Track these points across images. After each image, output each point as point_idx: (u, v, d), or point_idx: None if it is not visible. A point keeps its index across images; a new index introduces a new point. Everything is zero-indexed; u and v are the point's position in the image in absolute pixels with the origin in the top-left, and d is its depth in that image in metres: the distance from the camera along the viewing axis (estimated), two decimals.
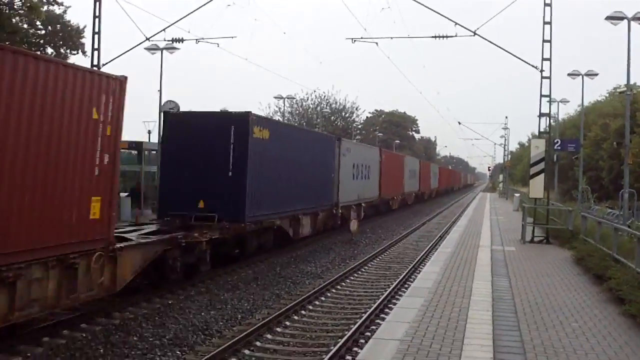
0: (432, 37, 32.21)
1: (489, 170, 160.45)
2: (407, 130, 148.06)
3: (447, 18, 29.60)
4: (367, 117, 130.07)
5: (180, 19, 32.90)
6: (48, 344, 13.49)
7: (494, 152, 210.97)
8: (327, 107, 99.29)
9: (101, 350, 13.32)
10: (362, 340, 14.40)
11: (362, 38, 34.50)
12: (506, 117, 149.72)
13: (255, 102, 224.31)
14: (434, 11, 29.59)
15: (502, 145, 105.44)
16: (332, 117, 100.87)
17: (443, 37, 31.59)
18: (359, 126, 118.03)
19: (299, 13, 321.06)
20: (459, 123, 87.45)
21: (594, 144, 61.70)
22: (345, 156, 38.32)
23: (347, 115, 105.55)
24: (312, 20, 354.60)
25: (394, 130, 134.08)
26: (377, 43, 35.06)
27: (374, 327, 15.43)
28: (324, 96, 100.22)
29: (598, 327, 12.52)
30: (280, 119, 76.64)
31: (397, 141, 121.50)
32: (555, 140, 35.88)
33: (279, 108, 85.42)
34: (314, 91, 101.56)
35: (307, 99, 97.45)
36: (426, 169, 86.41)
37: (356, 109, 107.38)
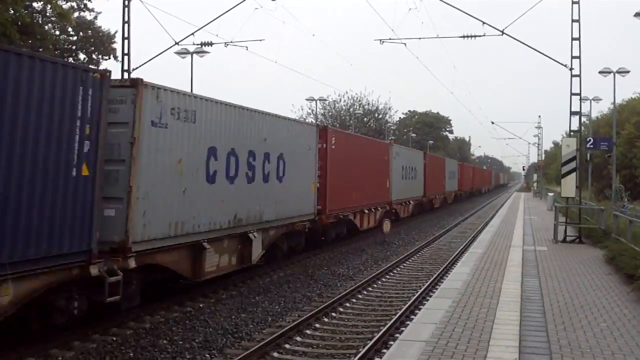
0: (461, 37, 32.08)
1: (523, 169, 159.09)
2: (441, 130, 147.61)
3: (475, 18, 29.54)
4: (400, 118, 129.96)
5: (209, 22, 33.15)
6: (79, 348, 13.69)
7: (528, 152, 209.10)
8: (360, 109, 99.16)
9: (131, 354, 13.50)
10: (391, 342, 14.39)
11: (390, 39, 34.39)
12: (539, 116, 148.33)
13: (288, 104, 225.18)
14: (462, 11, 29.60)
15: (536, 145, 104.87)
16: (365, 119, 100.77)
17: (471, 36, 31.49)
18: (393, 127, 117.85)
19: (326, 15, 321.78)
20: (492, 123, 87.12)
21: (627, 142, 61.08)
22: (163, 129, 16.39)
23: (380, 116, 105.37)
24: (340, 23, 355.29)
25: (427, 130, 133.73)
26: (405, 44, 34.94)
27: (403, 329, 15.46)
28: (357, 97, 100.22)
29: (627, 327, 12.44)
30: (313, 121, 76.73)
31: (431, 142, 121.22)
32: (588, 139, 35.68)
33: (312, 110, 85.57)
34: (346, 92, 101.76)
35: (340, 101, 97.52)
36: (436, 165, 64.35)
37: (389, 109, 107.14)
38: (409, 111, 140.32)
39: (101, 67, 41.72)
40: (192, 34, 32.05)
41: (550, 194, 60.41)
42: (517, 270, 19.36)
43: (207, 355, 13.82)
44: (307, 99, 74.25)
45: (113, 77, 14.60)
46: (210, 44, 35.61)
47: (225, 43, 34.74)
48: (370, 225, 37.17)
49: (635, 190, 58.07)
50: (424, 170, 55.52)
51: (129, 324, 15.73)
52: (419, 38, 35.57)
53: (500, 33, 29.06)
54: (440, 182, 66.43)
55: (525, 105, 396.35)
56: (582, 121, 34.57)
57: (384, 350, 13.49)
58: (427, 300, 17.80)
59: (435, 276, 23.44)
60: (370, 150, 38.55)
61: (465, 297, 15.06)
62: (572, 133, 30.03)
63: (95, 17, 49.35)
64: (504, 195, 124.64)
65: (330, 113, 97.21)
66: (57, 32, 47.48)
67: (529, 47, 30.00)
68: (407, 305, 18.34)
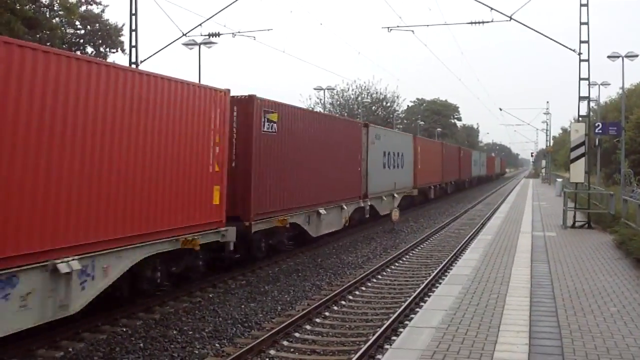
0: (469, 23, 31.96)
1: (531, 156, 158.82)
2: (449, 118, 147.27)
3: (483, 3, 29.39)
4: (408, 106, 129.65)
5: (216, 13, 33.19)
6: (89, 339, 13.74)
7: (537, 138, 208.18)
8: (368, 97, 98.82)
9: (141, 344, 13.51)
10: (401, 329, 14.39)
11: (397, 27, 34.33)
12: (547, 102, 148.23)
13: (296, 93, 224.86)
14: None
15: (544, 131, 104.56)
16: (373, 107, 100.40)
17: (479, 23, 31.35)
18: (401, 115, 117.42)
19: (334, 3, 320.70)
20: (500, 109, 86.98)
21: (636, 126, 60.65)
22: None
23: (388, 104, 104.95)
24: (347, 11, 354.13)
25: (435, 118, 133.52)
26: (413, 31, 34.89)
27: (413, 316, 15.43)
28: (365, 86, 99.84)
29: (637, 310, 12.38)
30: (321, 110, 76.56)
31: (439, 129, 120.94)
32: (597, 124, 35.50)
33: (320, 99, 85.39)
34: (354, 81, 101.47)
35: (348, 90, 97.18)
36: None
37: (397, 97, 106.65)
38: (417, 99, 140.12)
39: (109, 60, 41.85)
40: (200, 24, 31.97)
41: (559, 180, 60.22)
42: (527, 256, 19.33)
43: (217, 344, 13.81)
44: (315, 88, 74.55)
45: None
46: (218, 34, 35.51)
47: (232, 33, 34.75)
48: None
49: None
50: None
51: (138, 315, 15.78)
52: (427, 25, 35.29)
53: (509, 19, 28.96)
54: None
55: (533, 91, 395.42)
56: (590, 106, 34.43)
57: (394, 338, 13.47)
58: (437, 287, 17.79)
59: (444, 263, 23.43)
60: None
61: (475, 284, 15.05)
62: (580, 118, 29.94)
63: (103, 11, 49.46)
64: (512, 182, 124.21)
65: (338, 102, 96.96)
66: (65, 26, 47.58)
67: (537, 32, 29.93)
68: (416, 292, 18.31)
